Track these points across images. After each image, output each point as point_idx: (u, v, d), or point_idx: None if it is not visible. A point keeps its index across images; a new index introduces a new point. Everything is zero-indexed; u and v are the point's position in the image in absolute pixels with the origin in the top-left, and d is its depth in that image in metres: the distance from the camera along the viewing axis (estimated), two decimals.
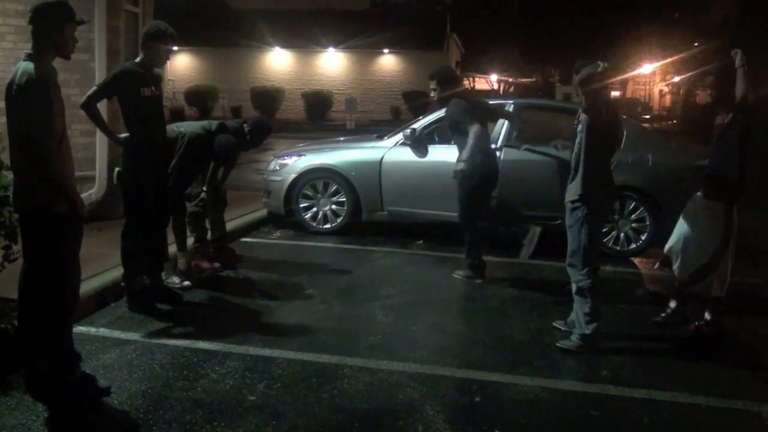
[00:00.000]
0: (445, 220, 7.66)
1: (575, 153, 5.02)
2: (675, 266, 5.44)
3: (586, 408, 4.15)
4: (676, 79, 42.36)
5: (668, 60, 36.45)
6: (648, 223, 7.68)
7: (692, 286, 5.39)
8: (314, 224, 8.61)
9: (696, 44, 40.93)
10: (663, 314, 5.55)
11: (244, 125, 6.72)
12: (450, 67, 7.09)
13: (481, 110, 6.81)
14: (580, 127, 4.98)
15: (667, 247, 5.54)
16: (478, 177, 6.45)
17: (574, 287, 5.08)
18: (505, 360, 4.82)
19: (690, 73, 38.86)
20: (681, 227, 5.40)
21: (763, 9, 42.71)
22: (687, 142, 13.86)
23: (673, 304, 5.54)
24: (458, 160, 6.44)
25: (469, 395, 4.24)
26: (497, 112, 7.68)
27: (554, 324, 5.44)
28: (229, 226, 7.55)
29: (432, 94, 6.88)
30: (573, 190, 5.00)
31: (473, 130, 6.35)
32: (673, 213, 5.95)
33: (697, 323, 5.38)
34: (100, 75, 7.40)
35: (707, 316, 5.37)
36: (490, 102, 7.80)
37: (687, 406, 4.21)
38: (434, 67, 7.28)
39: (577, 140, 5.01)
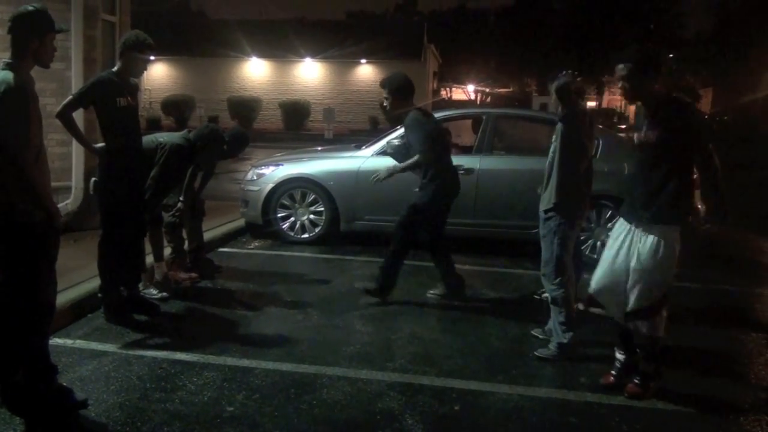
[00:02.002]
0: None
1: (549, 162, 5.07)
2: (613, 309, 4.49)
3: (564, 415, 4.18)
4: None
5: None
6: None
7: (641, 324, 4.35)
8: (292, 234, 8.60)
9: (671, 55, 41.57)
10: (613, 371, 4.60)
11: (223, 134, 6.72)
12: (405, 75, 6.28)
13: (433, 121, 6.21)
14: (555, 135, 5.03)
15: (593, 287, 4.52)
16: (438, 191, 6.07)
17: (548, 297, 5.12)
18: (483, 368, 4.84)
19: (665, 84, 39.27)
20: (614, 262, 4.35)
21: (737, 23, 43.50)
22: None
23: (619, 354, 4.59)
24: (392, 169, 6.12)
25: (448, 404, 4.25)
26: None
27: (532, 332, 5.47)
28: (207, 236, 7.52)
29: (384, 104, 6.23)
30: (546, 199, 5.04)
31: (418, 157, 5.86)
32: None
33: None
34: (76, 84, 7.35)
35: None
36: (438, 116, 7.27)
37: (664, 412, 4.25)
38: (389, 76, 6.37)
39: (552, 149, 5.06)
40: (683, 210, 4.20)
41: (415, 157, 5.90)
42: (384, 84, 6.22)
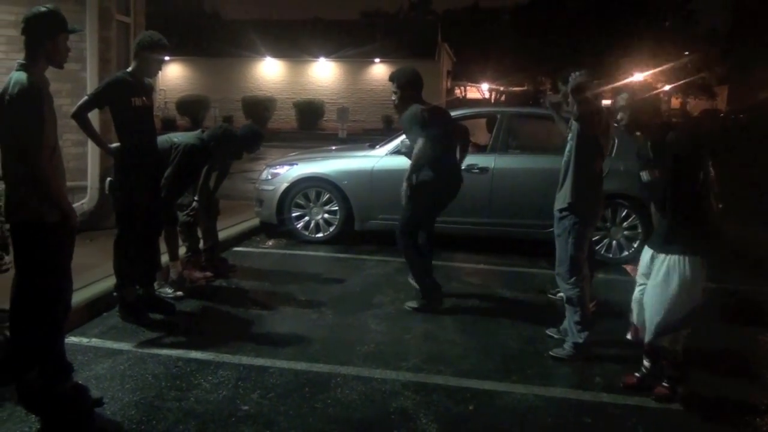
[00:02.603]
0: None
1: (565, 161, 5.04)
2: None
3: (579, 416, 4.16)
4: (667, 87, 42.63)
5: (659, 69, 36.64)
6: (640, 230, 7.70)
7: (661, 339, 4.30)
8: (306, 233, 8.61)
9: (687, 53, 41.24)
10: (638, 374, 4.55)
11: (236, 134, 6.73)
12: (414, 69, 6.14)
13: (439, 120, 5.99)
14: (570, 135, 5.00)
15: (635, 317, 4.53)
16: (431, 192, 5.93)
17: (563, 296, 5.09)
18: (498, 368, 4.83)
19: (680, 82, 39.01)
20: (652, 294, 4.28)
21: (754, 19, 43.05)
22: None
23: (647, 362, 4.52)
24: (406, 179, 5.84)
25: (462, 404, 4.24)
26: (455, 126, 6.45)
27: (547, 332, 5.44)
28: (222, 235, 7.54)
29: (393, 98, 6.03)
30: (562, 198, 5.01)
31: (419, 143, 5.67)
32: None
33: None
34: (91, 85, 7.39)
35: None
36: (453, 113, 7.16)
37: (680, 413, 4.22)
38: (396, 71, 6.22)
39: (567, 148, 5.03)
40: (709, 238, 4.16)
41: (416, 150, 5.68)
42: (393, 78, 6.07)
